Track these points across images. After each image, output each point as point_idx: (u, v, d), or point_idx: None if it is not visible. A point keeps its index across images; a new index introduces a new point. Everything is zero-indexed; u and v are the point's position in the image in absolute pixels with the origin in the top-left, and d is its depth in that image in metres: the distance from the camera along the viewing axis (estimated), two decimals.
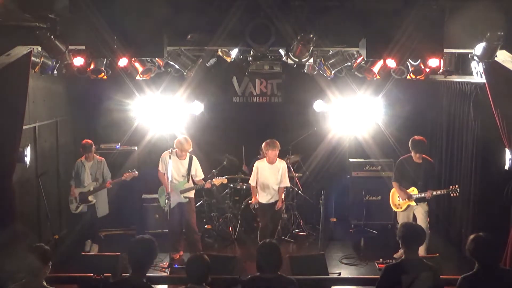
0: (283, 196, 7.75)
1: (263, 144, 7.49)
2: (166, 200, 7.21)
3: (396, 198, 7.51)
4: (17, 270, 3.89)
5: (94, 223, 7.72)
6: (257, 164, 7.65)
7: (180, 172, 7.54)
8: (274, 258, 3.96)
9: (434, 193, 7.10)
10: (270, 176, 7.53)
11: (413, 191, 7.24)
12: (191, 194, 7.66)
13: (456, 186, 7.13)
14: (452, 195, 7.16)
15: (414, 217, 7.42)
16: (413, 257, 4.04)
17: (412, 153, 7.30)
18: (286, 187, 7.95)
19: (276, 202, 7.58)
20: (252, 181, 7.65)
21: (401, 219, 7.45)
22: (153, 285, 3.86)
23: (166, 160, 7.34)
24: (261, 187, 7.55)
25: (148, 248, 3.89)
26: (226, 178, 7.84)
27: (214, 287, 4.03)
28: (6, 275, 4.29)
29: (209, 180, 7.65)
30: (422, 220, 7.19)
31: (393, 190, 7.61)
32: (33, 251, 3.88)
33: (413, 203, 7.24)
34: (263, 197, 7.56)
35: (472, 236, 3.98)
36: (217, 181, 7.69)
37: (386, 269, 4.14)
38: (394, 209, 7.59)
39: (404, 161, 7.39)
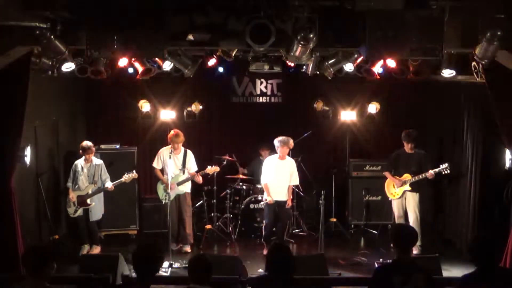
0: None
1: (276, 140, 7.52)
2: (165, 193, 7.38)
3: (391, 187, 7.86)
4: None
5: (89, 227, 7.64)
6: (267, 161, 7.72)
7: (176, 166, 7.74)
8: (284, 261, 3.94)
9: (428, 174, 7.43)
10: (280, 172, 7.57)
11: (407, 177, 7.63)
12: (188, 187, 7.83)
13: (447, 164, 7.44)
14: (443, 173, 7.47)
15: (406, 207, 7.72)
16: (405, 258, 4.04)
17: (405, 144, 7.71)
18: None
19: (283, 201, 7.60)
20: (264, 179, 7.64)
21: (396, 209, 7.82)
22: (153, 285, 3.84)
23: (163, 157, 7.59)
24: (270, 183, 7.60)
25: (154, 255, 3.77)
26: (217, 166, 7.96)
27: None
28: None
29: (202, 171, 7.78)
30: (412, 210, 7.61)
31: (387, 180, 7.96)
32: (34, 251, 3.86)
33: (408, 188, 7.62)
34: (271, 194, 7.59)
35: (473, 237, 3.99)
36: (210, 170, 7.81)
37: (378, 270, 4.14)
38: (390, 197, 7.88)
39: (397, 153, 7.85)
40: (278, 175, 7.58)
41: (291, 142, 7.57)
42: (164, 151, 7.73)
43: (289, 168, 7.63)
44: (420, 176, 7.49)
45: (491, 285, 3.81)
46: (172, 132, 7.72)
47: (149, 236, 8.39)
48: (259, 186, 8.40)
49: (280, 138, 7.54)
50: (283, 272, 3.89)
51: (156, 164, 7.78)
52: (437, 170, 7.47)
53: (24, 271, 3.84)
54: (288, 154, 8.47)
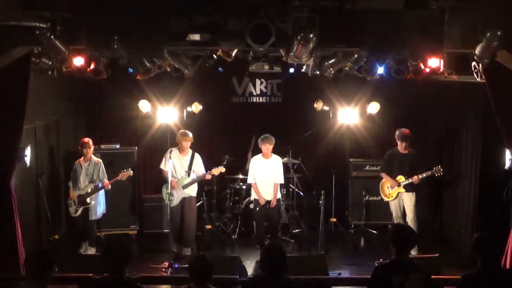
0: (279, 195, 7.80)
1: (259, 138, 7.62)
2: (169, 196, 7.31)
3: (385, 189, 7.88)
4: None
5: (88, 226, 7.64)
6: (253, 160, 7.76)
7: (183, 168, 7.66)
8: (278, 260, 3.95)
9: (420, 176, 7.46)
10: (265, 171, 7.60)
11: (401, 178, 7.63)
12: (194, 191, 7.74)
13: (439, 166, 7.46)
14: (436, 175, 7.50)
15: (404, 207, 7.73)
16: (404, 258, 4.05)
17: (399, 144, 7.72)
18: (283, 186, 8.02)
19: (269, 200, 7.62)
20: (250, 179, 7.71)
21: (393, 210, 7.83)
22: (153, 285, 3.85)
23: (168, 158, 7.45)
24: (257, 183, 7.63)
25: (125, 246, 3.88)
26: (223, 167, 7.87)
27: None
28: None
29: (208, 171, 7.70)
30: (409, 210, 7.61)
31: (382, 181, 7.97)
32: (37, 254, 3.85)
33: (402, 190, 7.62)
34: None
35: (478, 233, 3.99)
36: (216, 171, 7.74)
37: (377, 270, 4.14)
38: (385, 199, 7.92)
39: (391, 153, 7.87)
40: (263, 174, 7.60)
41: (271, 138, 7.54)
42: (169, 152, 7.63)
43: (274, 166, 7.63)
44: (410, 180, 7.51)
45: (491, 285, 3.81)
46: (180, 131, 7.70)
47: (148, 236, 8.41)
48: None
49: (262, 136, 7.59)
50: (277, 271, 3.90)
51: (164, 166, 7.65)
52: (429, 172, 7.47)
53: (26, 273, 3.81)
54: (288, 154, 8.52)
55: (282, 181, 7.81)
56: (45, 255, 3.82)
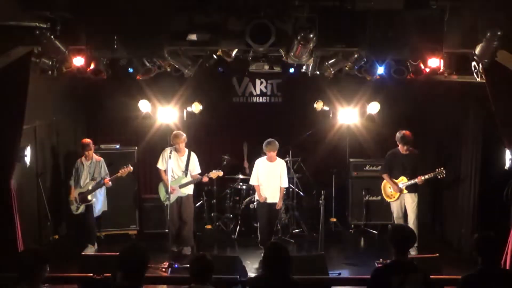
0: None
1: (264, 143, 7.61)
2: (166, 195, 7.32)
3: (387, 189, 7.91)
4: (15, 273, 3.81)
5: (91, 224, 7.68)
6: (257, 162, 7.77)
7: (179, 167, 7.69)
8: (282, 260, 3.94)
9: (423, 177, 7.47)
10: (270, 174, 7.64)
11: (402, 179, 7.65)
12: (190, 190, 7.77)
13: (442, 168, 7.44)
14: (439, 177, 7.49)
15: (405, 208, 7.74)
16: (403, 258, 4.05)
17: (400, 146, 7.73)
18: (286, 187, 8.03)
19: (273, 203, 7.68)
20: (253, 181, 7.75)
21: (395, 210, 7.84)
22: (153, 285, 3.83)
23: (167, 158, 7.44)
24: (261, 185, 7.67)
25: (141, 255, 3.73)
26: (221, 171, 7.90)
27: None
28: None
29: (206, 174, 7.72)
30: (411, 210, 7.62)
31: (384, 182, 7.98)
32: (29, 254, 3.83)
33: (404, 191, 7.64)
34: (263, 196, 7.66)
35: (478, 233, 3.99)
36: (213, 174, 7.78)
37: (376, 271, 4.14)
38: (387, 200, 7.93)
39: (392, 153, 7.87)
40: (268, 178, 7.65)
41: (276, 143, 7.56)
42: (167, 152, 7.67)
43: (279, 170, 7.68)
44: (412, 181, 7.53)
45: (491, 285, 3.81)
46: (172, 134, 7.71)
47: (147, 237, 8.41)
48: None
49: (266, 141, 7.60)
50: (279, 271, 3.88)
51: (161, 165, 7.68)
52: (432, 174, 7.47)
53: (19, 275, 3.78)
54: (288, 154, 8.52)
55: (287, 185, 7.93)
56: (36, 254, 3.79)
